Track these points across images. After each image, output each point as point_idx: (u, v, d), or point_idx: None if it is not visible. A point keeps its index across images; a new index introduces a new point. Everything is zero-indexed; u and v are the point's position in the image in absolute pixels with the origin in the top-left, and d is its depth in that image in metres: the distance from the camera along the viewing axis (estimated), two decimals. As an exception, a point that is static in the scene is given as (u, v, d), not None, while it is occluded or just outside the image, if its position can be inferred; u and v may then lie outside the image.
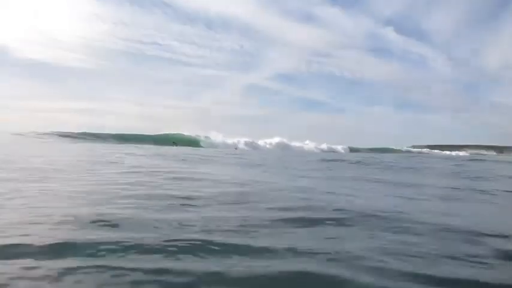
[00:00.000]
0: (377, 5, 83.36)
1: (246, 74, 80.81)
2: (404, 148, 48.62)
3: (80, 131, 31.40)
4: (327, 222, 2.94)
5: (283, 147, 36.39)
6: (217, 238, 2.28)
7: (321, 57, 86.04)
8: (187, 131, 35.56)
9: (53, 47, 70.72)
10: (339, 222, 2.96)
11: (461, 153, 51.40)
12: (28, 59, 68.25)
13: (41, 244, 2.00)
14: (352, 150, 40.51)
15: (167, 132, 34.90)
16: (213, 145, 32.75)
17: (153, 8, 76.32)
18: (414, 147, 56.43)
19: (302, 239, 2.45)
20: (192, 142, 32.21)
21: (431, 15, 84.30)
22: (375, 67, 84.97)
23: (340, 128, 77.02)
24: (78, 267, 1.72)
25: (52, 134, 28.50)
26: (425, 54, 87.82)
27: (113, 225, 2.51)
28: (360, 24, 78.76)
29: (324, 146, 39.44)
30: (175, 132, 34.98)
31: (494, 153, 59.30)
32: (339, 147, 40.54)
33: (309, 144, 38.88)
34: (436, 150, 52.31)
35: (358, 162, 13.98)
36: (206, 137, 35.11)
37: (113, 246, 2.02)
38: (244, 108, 76.15)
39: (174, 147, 24.04)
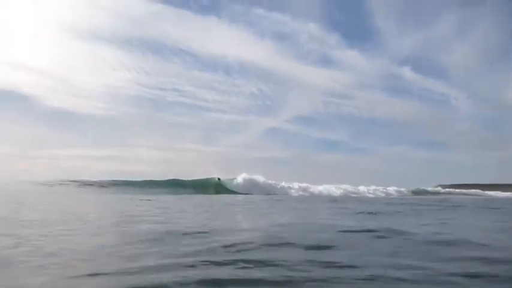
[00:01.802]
0: (393, 45, 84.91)
1: (266, 117, 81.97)
2: (430, 188, 46.97)
3: (109, 179, 31.24)
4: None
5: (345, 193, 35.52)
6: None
7: (339, 99, 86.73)
8: (216, 175, 34.84)
9: (76, 95, 73.53)
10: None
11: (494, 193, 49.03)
12: (52, 108, 71.25)
13: None
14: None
15: (201, 177, 34.34)
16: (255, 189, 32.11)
17: (172, 57, 79.85)
18: (441, 186, 54.25)
19: None
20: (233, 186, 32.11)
21: (448, 52, 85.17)
22: (393, 106, 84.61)
23: (361, 169, 75.81)
24: None
25: (76, 182, 28.56)
26: (445, 92, 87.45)
27: None
28: (376, 65, 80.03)
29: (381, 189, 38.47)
30: (208, 177, 34.54)
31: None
32: (391, 189, 39.23)
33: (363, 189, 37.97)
34: (470, 190, 50.05)
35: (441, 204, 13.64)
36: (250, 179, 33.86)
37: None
38: (265, 151, 76.32)
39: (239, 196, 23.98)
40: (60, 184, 25.98)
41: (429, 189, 44.66)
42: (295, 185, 35.02)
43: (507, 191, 53.32)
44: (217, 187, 31.63)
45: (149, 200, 14.72)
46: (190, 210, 10.29)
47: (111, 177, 32.17)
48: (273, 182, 34.54)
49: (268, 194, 28.98)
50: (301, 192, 33.43)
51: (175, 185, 30.79)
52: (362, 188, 37.85)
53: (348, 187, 37.40)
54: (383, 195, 36.01)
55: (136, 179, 31.88)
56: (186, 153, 67.62)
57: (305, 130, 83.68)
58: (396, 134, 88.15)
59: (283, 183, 34.85)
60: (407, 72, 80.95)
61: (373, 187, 38.27)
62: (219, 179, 31.91)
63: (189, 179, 33.48)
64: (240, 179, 33.35)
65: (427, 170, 77.37)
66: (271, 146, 78.11)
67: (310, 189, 34.69)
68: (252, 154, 73.22)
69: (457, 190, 47.43)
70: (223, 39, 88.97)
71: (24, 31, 63.34)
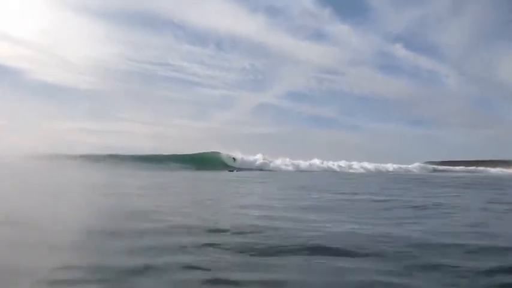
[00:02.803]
0: (386, 21, 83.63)
1: (257, 92, 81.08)
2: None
3: (105, 153, 31.24)
4: None
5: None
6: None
7: (331, 75, 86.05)
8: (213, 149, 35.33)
9: (64, 69, 71.66)
10: None
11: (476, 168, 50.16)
12: (39, 81, 69.67)
13: None
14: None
15: (201, 151, 34.77)
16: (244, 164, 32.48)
17: (163, 30, 77.56)
18: (429, 163, 55.30)
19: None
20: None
21: (441, 31, 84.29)
22: (385, 84, 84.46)
23: (354, 146, 76.43)
24: None
25: (78, 156, 28.66)
26: (436, 69, 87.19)
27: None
28: (369, 41, 78.96)
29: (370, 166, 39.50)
30: (207, 151, 34.79)
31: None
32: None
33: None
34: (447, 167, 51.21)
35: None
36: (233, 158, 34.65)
37: None
38: (257, 127, 75.86)
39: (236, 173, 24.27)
40: (51, 157, 26.13)
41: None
42: (287, 161, 35.73)
43: (496, 167, 54.81)
44: (214, 163, 32.00)
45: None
46: (163, 188, 10.71)
47: (101, 151, 32.34)
48: (266, 159, 35.26)
49: (262, 170, 29.48)
50: (290, 168, 34.09)
51: (167, 160, 30.97)
52: (343, 163, 39.36)
53: (338, 163, 38.17)
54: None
55: (126, 154, 32.15)
56: (176, 128, 67.28)
57: (297, 106, 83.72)
58: (387, 111, 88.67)
59: (279, 161, 35.59)
60: (399, 49, 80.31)
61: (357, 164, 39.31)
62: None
63: (178, 153, 33.78)
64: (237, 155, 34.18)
65: (417, 147, 78.74)
66: (263, 122, 77.98)
67: (301, 165, 35.42)
68: (243, 130, 73.20)
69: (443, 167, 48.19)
70: (214, 12, 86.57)
71: (10, 1, 61.40)
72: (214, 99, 76.97)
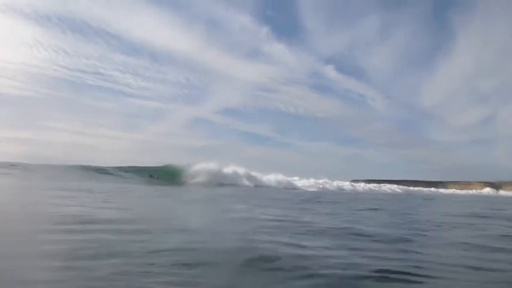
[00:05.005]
0: (319, 43, 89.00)
1: (192, 107, 79.94)
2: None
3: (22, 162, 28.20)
4: None
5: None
6: None
7: (267, 93, 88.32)
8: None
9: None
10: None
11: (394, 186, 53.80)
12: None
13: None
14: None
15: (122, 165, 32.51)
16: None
17: (96, 38, 73.44)
18: (354, 181, 58.53)
19: None
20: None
21: (370, 55, 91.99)
22: (318, 103, 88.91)
23: (284, 163, 78.28)
24: None
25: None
26: (364, 93, 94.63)
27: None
28: (303, 61, 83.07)
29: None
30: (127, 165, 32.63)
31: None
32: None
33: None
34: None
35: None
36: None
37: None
38: (190, 140, 74.16)
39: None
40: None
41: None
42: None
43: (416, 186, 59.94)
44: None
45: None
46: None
47: (22, 160, 29.48)
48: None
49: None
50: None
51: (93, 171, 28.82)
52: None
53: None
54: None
55: (50, 164, 29.43)
56: (106, 140, 63.39)
57: (231, 122, 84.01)
58: (318, 130, 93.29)
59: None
60: (331, 70, 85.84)
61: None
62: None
63: (110, 165, 31.82)
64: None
65: (345, 165, 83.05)
66: (196, 136, 76.57)
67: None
68: (176, 142, 70.92)
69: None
70: (150, 23, 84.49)
71: None
72: (147, 111, 74.27)
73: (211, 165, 31.22)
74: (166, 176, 29.20)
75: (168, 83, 79.41)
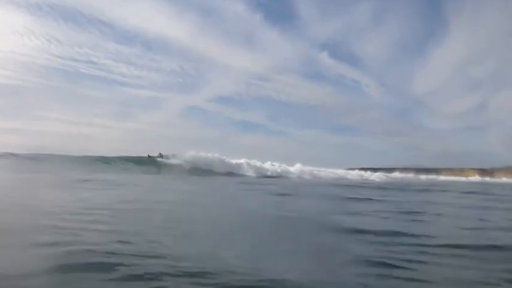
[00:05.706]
0: (313, 29, 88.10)
1: (186, 95, 78.96)
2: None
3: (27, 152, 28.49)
4: None
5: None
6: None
7: (260, 81, 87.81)
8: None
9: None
10: None
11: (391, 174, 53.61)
12: None
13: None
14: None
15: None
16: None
17: (89, 26, 71.45)
18: (350, 169, 58.31)
19: None
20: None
21: (364, 42, 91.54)
22: (311, 91, 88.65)
23: (280, 150, 78.13)
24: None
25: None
26: (358, 79, 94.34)
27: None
28: (297, 48, 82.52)
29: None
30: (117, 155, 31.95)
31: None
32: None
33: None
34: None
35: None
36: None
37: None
38: (184, 130, 73.24)
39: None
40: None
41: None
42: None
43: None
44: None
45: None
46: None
47: (14, 150, 28.87)
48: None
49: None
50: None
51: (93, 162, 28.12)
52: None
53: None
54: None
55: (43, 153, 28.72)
56: (100, 129, 62.18)
57: (225, 110, 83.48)
58: (311, 117, 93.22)
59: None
60: (325, 57, 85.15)
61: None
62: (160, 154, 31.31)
63: (99, 155, 31.54)
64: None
65: (340, 153, 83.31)
66: (190, 125, 75.83)
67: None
68: (169, 132, 70.08)
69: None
70: (144, 11, 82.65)
71: None
72: (140, 100, 73.15)
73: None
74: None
75: (162, 72, 78.30)
